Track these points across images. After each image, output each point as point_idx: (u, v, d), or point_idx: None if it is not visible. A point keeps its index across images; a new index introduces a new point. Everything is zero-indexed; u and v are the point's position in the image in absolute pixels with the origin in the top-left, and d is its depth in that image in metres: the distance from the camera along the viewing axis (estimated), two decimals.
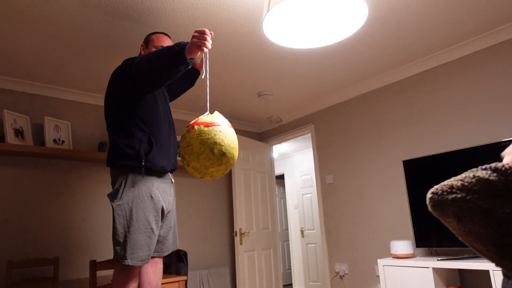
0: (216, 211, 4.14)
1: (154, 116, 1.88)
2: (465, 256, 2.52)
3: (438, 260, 2.48)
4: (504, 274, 0.82)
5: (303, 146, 6.05)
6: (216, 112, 1.74)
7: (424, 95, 3.10)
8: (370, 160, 3.46)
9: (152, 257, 1.89)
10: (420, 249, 2.97)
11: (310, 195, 6.05)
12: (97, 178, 3.28)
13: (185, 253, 2.83)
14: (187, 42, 1.66)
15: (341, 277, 3.58)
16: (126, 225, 1.70)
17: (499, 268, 2.10)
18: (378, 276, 3.20)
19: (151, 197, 1.78)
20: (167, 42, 2.06)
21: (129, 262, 1.66)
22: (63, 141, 3.05)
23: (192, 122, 1.69)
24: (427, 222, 2.71)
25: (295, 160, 6.57)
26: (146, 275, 1.86)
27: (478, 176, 0.76)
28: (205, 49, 1.64)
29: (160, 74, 1.69)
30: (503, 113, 2.63)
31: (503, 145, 2.42)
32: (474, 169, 0.79)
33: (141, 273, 1.86)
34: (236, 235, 3.82)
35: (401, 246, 2.74)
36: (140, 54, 2.12)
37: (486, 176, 0.76)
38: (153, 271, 1.89)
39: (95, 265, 2.09)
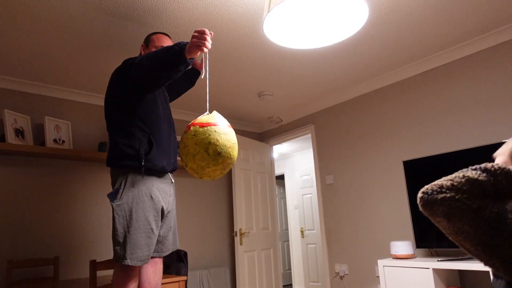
0: (216, 211, 4.13)
1: (154, 116, 1.88)
2: (465, 257, 2.52)
3: (438, 260, 2.48)
4: (494, 274, 0.83)
5: (303, 146, 6.05)
6: (214, 112, 1.74)
7: (424, 96, 3.10)
8: (370, 161, 3.46)
9: (152, 257, 1.89)
10: (420, 250, 2.97)
11: (310, 195, 6.04)
12: (97, 178, 3.28)
13: (185, 253, 2.83)
14: (187, 42, 1.66)
15: (341, 277, 3.58)
16: (126, 225, 1.70)
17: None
18: (378, 276, 3.20)
19: (151, 197, 1.78)
20: (167, 42, 2.06)
21: (128, 262, 1.66)
22: (63, 141, 3.05)
23: (190, 123, 1.70)
24: (427, 223, 2.71)
25: (295, 160, 6.56)
26: (146, 275, 1.86)
27: (468, 176, 0.77)
28: (205, 49, 1.64)
29: (160, 74, 1.69)
30: (504, 114, 2.63)
31: None
32: (464, 169, 0.80)
33: (141, 273, 1.86)
34: (236, 235, 3.82)
35: (401, 247, 2.74)
36: (140, 54, 2.12)
37: (476, 176, 0.76)
38: (153, 271, 1.89)
39: (95, 265, 2.09)
